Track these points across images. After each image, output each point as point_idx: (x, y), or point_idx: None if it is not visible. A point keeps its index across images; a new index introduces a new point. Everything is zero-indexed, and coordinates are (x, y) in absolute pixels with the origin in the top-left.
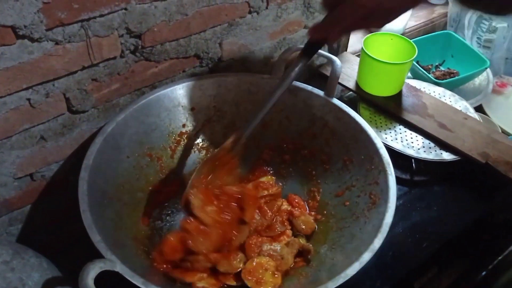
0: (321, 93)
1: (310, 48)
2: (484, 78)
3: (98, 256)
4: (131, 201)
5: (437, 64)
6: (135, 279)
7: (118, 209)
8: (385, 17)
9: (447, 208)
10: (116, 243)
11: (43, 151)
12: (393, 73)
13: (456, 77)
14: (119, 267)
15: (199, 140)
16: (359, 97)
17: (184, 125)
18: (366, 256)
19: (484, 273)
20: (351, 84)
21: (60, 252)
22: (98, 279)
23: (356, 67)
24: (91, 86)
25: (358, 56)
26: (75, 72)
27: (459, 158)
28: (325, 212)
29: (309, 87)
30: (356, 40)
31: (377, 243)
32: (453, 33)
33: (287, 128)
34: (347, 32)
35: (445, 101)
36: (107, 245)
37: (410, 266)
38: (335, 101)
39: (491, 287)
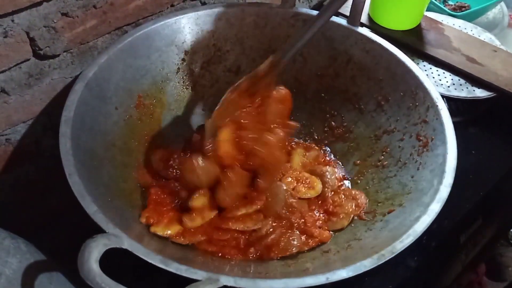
0: (343, 21)
1: None
2: (499, 11)
3: (95, 231)
4: (126, 162)
5: None
6: (150, 257)
7: (111, 172)
8: None
9: (486, 151)
10: (115, 213)
11: (6, 108)
12: (415, 1)
13: (472, 9)
14: (128, 243)
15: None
16: (373, 33)
17: (179, 69)
18: (435, 207)
19: None
20: (362, 18)
21: (38, 231)
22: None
23: None
24: (61, 23)
25: None
26: (40, 3)
27: (494, 95)
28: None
29: None
30: None
31: (444, 191)
32: None
33: (303, 68)
34: None
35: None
36: (106, 216)
37: (455, 218)
38: (361, 30)
39: None
